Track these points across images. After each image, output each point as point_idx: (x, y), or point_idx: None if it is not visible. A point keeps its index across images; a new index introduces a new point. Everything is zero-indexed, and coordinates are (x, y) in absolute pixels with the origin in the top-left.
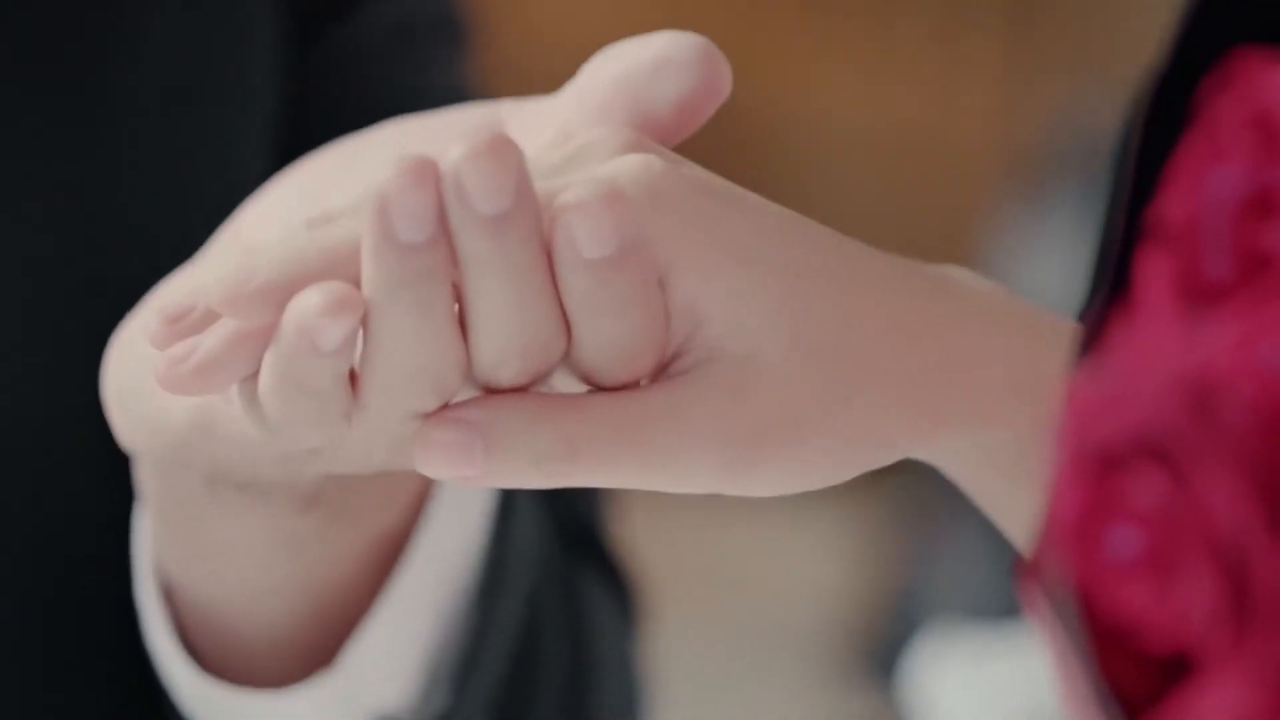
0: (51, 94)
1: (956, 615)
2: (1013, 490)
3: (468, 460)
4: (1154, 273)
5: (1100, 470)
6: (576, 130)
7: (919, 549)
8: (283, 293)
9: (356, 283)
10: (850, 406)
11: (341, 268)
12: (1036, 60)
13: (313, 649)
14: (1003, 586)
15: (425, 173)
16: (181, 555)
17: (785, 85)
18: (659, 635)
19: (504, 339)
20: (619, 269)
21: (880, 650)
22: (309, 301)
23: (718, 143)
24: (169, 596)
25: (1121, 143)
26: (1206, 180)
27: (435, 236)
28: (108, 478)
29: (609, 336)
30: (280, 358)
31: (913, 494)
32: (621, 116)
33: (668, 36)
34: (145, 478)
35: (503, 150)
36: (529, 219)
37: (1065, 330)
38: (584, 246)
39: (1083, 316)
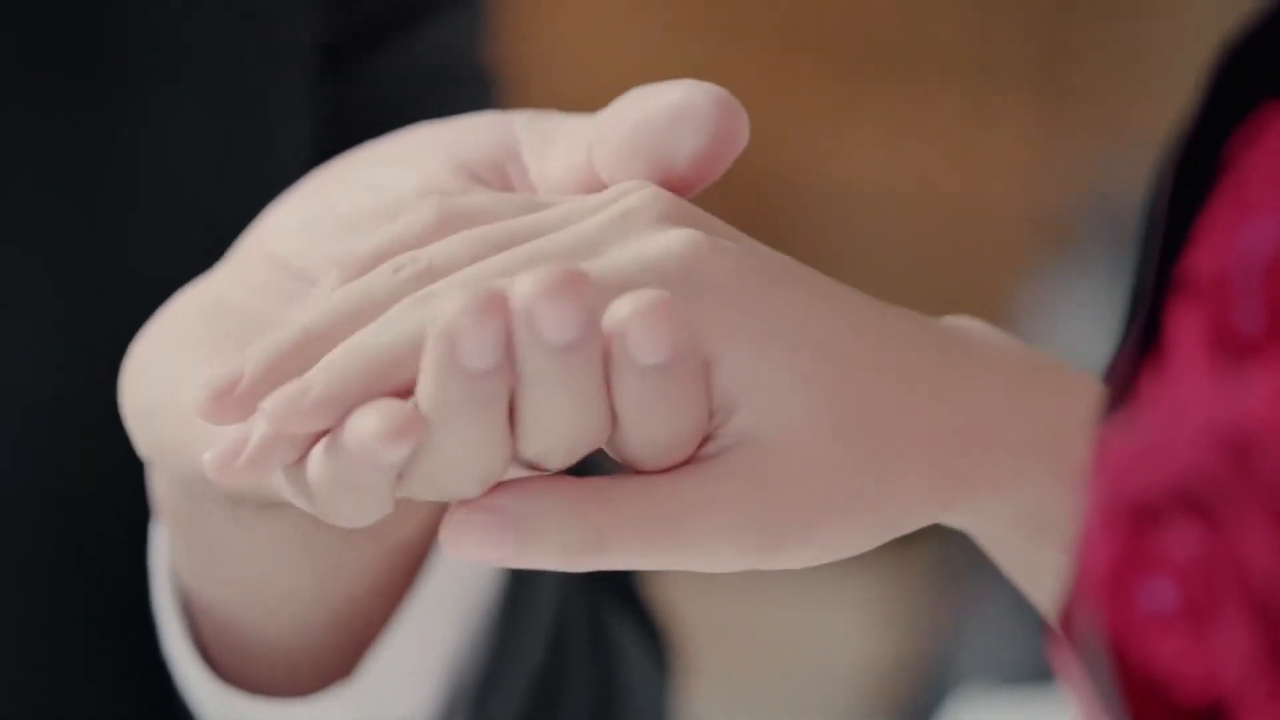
0: (82, 111)
1: (989, 680)
2: (1036, 552)
3: (497, 548)
4: (1185, 326)
5: (1134, 523)
6: (607, 177)
7: (952, 613)
8: (336, 408)
9: (408, 388)
10: (877, 485)
11: (394, 372)
12: (1066, 125)
13: (332, 661)
14: (1035, 651)
15: (495, 306)
16: (198, 566)
17: (814, 149)
18: (692, 698)
19: (554, 439)
20: (672, 376)
21: (913, 715)
22: (368, 425)
23: (746, 205)
24: (186, 606)
25: (1151, 197)
26: (1237, 234)
27: (501, 363)
28: (126, 486)
29: (655, 434)
30: (336, 467)
31: (946, 559)
32: (640, 164)
33: (687, 86)
34: (162, 491)
35: (575, 286)
36: (595, 344)
37: (1085, 383)
38: (639, 355)
39: (1113, 369)
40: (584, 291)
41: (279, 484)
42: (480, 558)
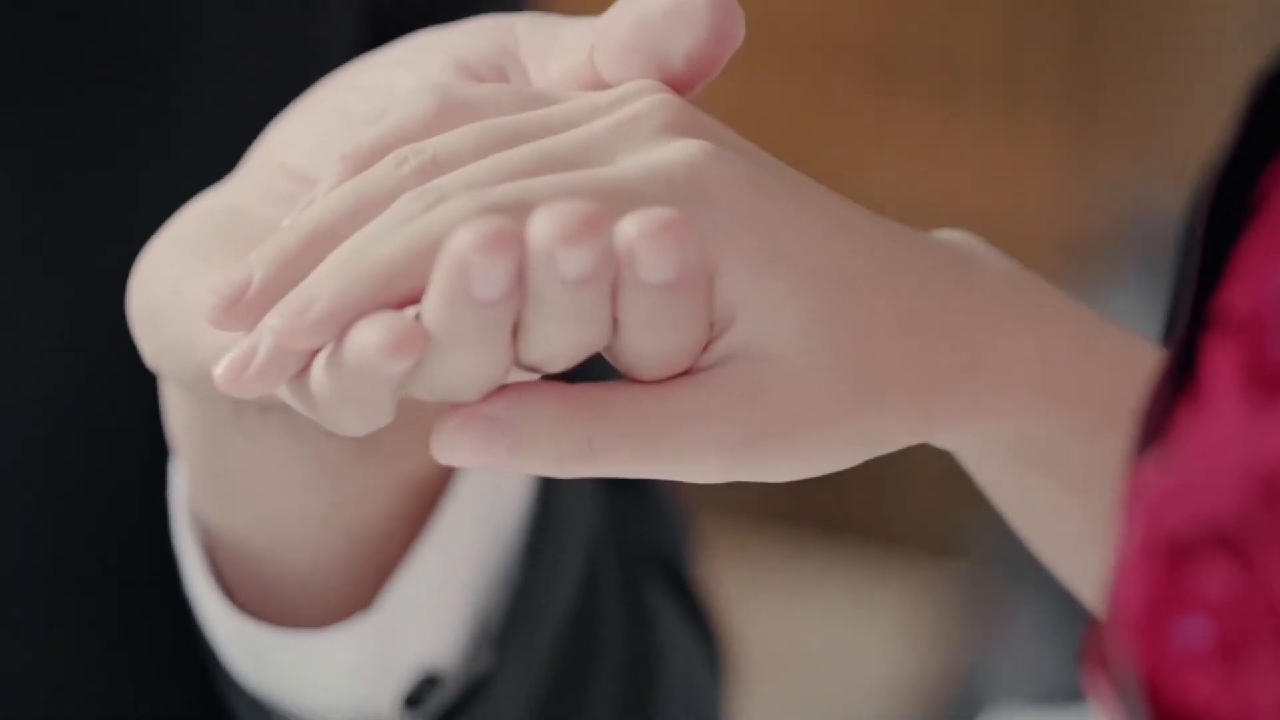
0: (115, 85)
1: (1021, 698)
2: (1026, 483)
3: (491, 455)
4: (1220, 362)
5: (1169, 560)
6: (608, 77)
7: (985, 631)
8: (340, 321)
9: (414, 296)
10: (863, 401)
11: (398, 283)
12: (1095, 144)
13: (353, 594)
14: (1067, 670)
15: (509, 241)
16: (213, 492)
17: (845, 167)
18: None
19: (557, 350)
20: (678, 293)
21: None
22: (370, 338)
23: None
24: (206, 542)
25: (1185, 231)
26: (1272, 270)
27: (511, 292)
28: (146, 436)
29: (657, 347)
30: (338, 378)
31: (980, 576)
32: (638, 62)
33: None
34: (172, 407)
35: (595, 226)
36: (608, 274)
37: (1079, 312)
38: (647, 274)
39: (1147, 404)
40: (603, 230)
41: (281, 391)
42: (472, 463)
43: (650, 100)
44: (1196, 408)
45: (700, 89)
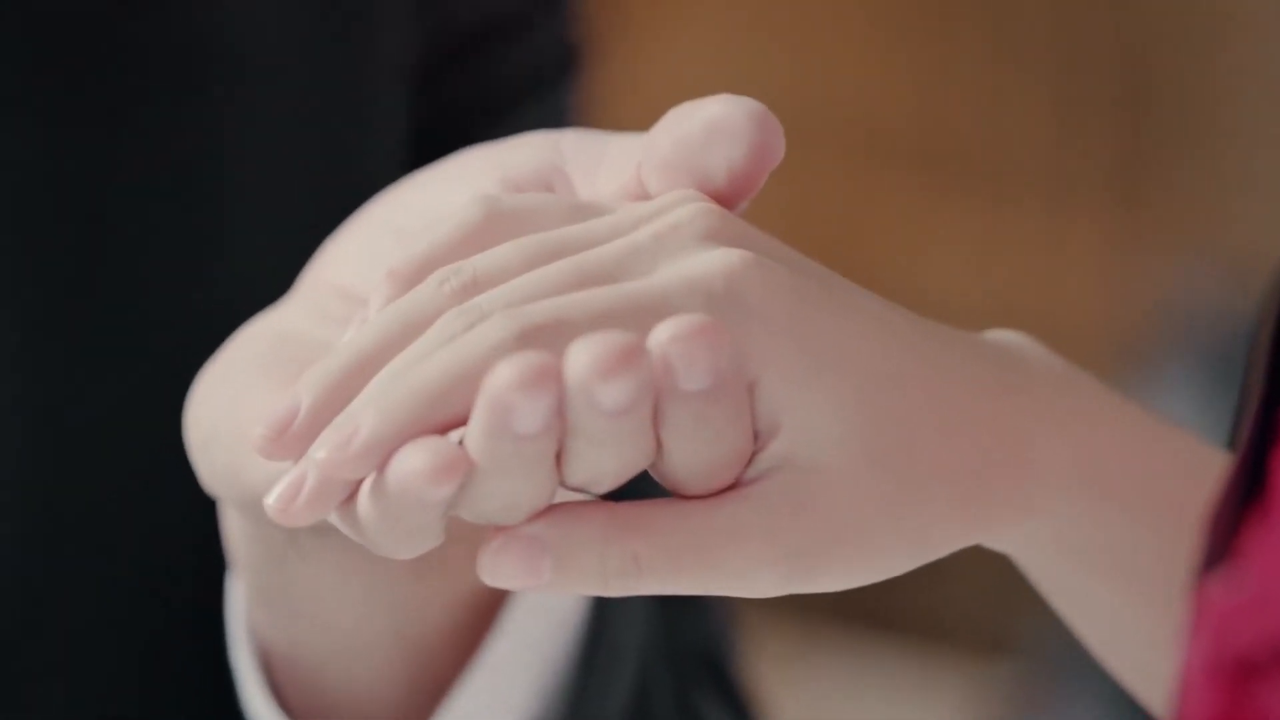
0: (170, 111)
1: None
2: (1078, 581)
3: (535, 575)
4: None
5: (1236, 679)
6: (654, 194)
7: None
8: (383, 450)
9: (458, 420)
10: (910, 512)
11: (440, 409)
12: (1144, 241)
13: (410, 706)
14: None
15: (547, 377)
16: (271, 607)
17: (895, 263)
18: None
19: (600, 472)
20: (715, 401)
21: None
22: (413, 464)
23: None
24: (262, 654)
25: (1251, 341)
26: None
27: (552, 425)
28: (204, 537)
29: (699, 458)
30: (384, 504)
31: (1029, 674)
32: (682, 178)
33: (723, 100)
34: (231, 528)
35: (631, 361)
36: (648, 402)
37: (1128, 408)
38: (682, 381)
39: (1214, 519)
40: (640, 361)
41: (331, 516)
42: (518, 584)
43: (690, 209)
44: (1266, 523)
45: (745, 204)
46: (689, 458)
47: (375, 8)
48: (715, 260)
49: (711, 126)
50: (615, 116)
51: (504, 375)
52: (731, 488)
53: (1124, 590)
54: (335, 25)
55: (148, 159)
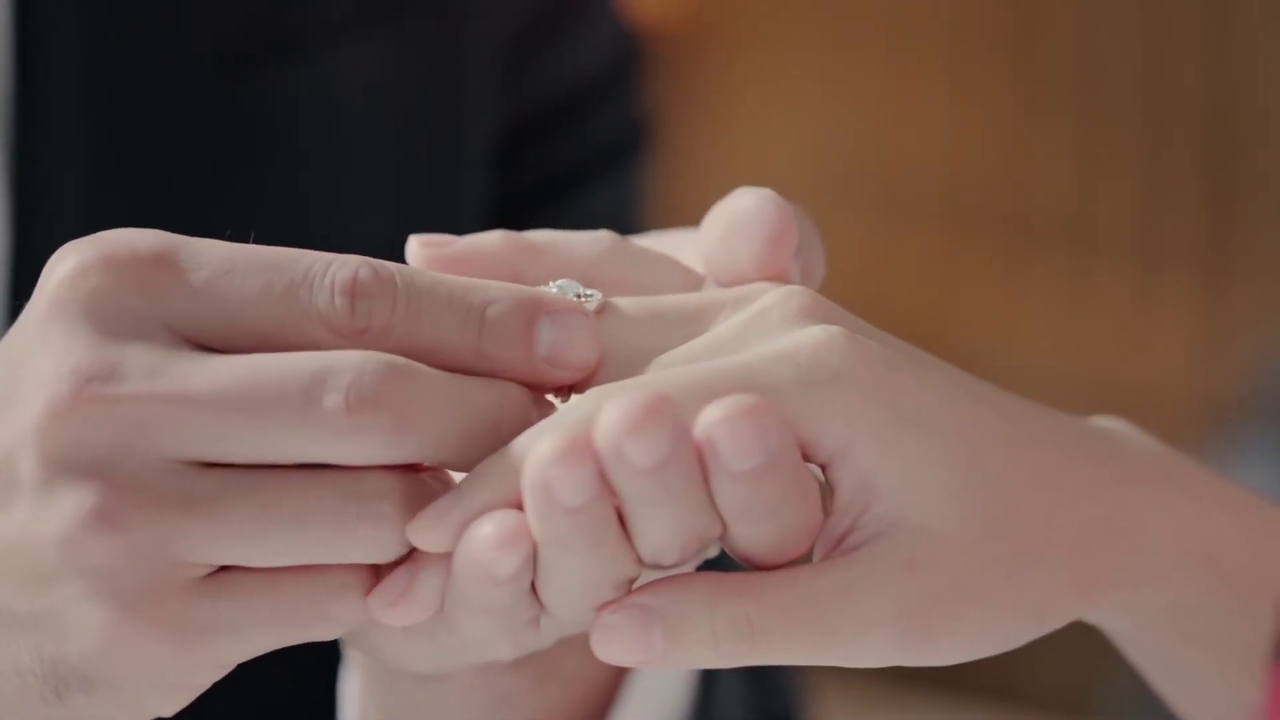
0: (267, 174)
1: None
2: (1177, 654)
3: (647, 645)
4: None
5: None
6: (748, 282)
7: None
8: (465, 524)
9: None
10: (1023, 574)
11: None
12: (1232, 304)
13: None
14: None
15: (579, 448)
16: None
17: (985, 332)
18: None
19: (666, 542)
20: (767, 479)
21: None
22: (481, 534)
23: None
24: None
25: None
26: None
27: (599, 493)
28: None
29: (761, 534)
30: (458, 587)
31: None
32: (716, 273)
33: (745, 194)
34: (354, 673)
35: (654, 411)
36: (686, 454)
37: (1231, 488)
38: (730, 461)
39: None
40: (665, 413)
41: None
42: (631, 658)
43: (778, 292)
44: None
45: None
46: (751, 533)
47: (465, 89)
48: (804, 335)
49: (732, 219)
50: (700, 193)
51: (540, 451)
52: (839, 554)
53: (1220, 659)
54: (427, 104)
55: (244, 219)
